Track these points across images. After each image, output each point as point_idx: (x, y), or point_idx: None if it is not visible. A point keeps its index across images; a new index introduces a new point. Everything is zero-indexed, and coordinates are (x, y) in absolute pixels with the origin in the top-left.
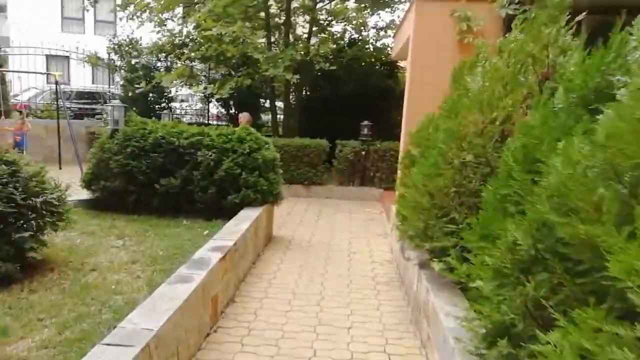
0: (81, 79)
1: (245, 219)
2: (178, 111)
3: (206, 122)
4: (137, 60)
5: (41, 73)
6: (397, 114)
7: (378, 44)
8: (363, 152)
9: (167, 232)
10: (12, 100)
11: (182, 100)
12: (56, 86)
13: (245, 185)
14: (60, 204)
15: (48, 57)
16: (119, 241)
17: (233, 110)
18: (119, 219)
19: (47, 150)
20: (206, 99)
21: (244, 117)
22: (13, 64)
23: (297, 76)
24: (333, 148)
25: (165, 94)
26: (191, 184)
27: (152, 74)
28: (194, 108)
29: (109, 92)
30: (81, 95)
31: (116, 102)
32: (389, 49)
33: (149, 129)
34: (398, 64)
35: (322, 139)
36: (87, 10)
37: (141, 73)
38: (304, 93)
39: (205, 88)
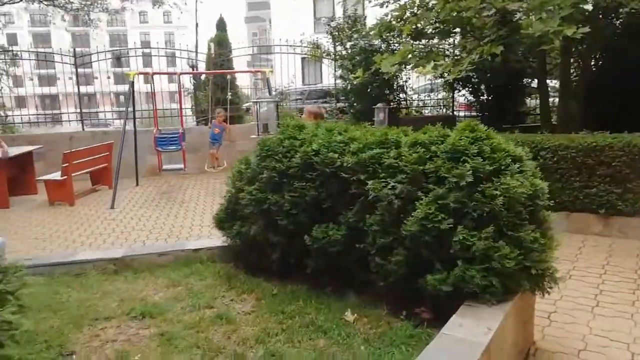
0: (313, 76)
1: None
2: (415, 103)
3: (451, 113)
4: (354, 43)
5: (248, 72)
6: None
7: None
8: None
9: (311, 333)
10: (246, 105)
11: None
12: (267, 83)
13: (464, 255)
14: None
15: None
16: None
17: (485, 97)
18: (244, 290)
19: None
20: (449, 86)
21: (307, 110)
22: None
23: (585, 29)
24: None
25: (395, 82)
26: (363, 237)
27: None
28: (436, 98)
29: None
30: (312, 94)
31: (266, 97)
32: None
33: (300, 138)
34: None
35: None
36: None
37: (358, 59)
38: (592, 63)
39: (434, 68)
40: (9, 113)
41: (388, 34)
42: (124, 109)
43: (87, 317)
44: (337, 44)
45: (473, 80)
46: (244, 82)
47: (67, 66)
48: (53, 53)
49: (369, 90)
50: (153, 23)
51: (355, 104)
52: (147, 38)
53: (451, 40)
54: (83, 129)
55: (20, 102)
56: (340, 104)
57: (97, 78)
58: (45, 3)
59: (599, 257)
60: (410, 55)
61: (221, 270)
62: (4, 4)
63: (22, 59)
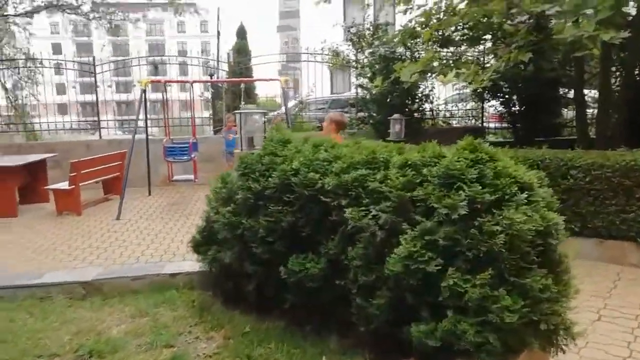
0: (341, 85)
1: None
2: (442, 114)
3: (480, 124)
4: (372, 51)
5: (261, 80)
6: None
7: None
8: None
9: None
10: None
11: (461, 100)
12: (283, 92)
13: (456, 304)
14: None
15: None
16: None
17: (517, 107)
18: (214, 326)
19: None
20: (478, 96)
21: (329, 117)
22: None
23: (625, 34)
24: None
25: (418, 92)
26: (345, 272)
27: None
28: (464, 108)
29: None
30: (336, 103)
31: (251, 107)
32: None
33: (281, 155)
34: None
35: None
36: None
37: (378, 67)
38: (637, 72)
39: (456, 76)
40: (35, 120)
41: (412, 42)
42: (158, 116)
43: (31, 354)
44: (357, 51)
45: (504, 89)
46: (271, 91)
47: (107, 74)
48: (66, 60)
49: (388, 100)
50: (190, 32)
51: (374, 114)
52: (184, 47)
53: (482, 47)
54: (100, 137)
55: (62, 109)
56: (360, 114)
57: (108, 86)
58: (68, 12)
59: (636, 293)
60: (435, 63)
61: (197, 299)
62: (17, 15)
63: (43, 67)
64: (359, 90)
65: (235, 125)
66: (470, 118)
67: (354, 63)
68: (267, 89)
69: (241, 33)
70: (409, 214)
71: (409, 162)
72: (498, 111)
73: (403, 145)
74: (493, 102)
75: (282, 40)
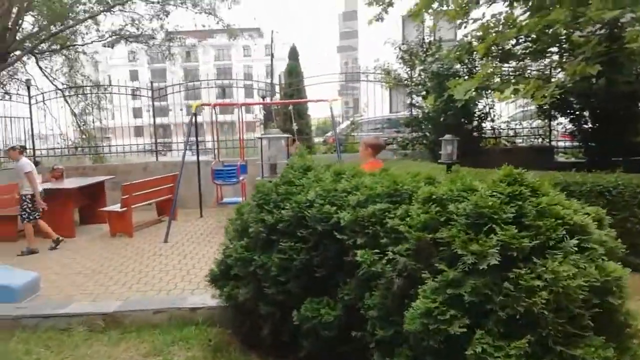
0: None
1: None
2: (505, 132)
3: (548, 143)
4: (424, 68)
5: (308, 101)
6: None
7: None
8: None
9: None
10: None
11: (528, 118)
12: (331, 113)
13: None
14: None
15: None
16: None
17: (589, 125)
18: None
19: None
20: (544, 113)
21: (363, 142)
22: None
23: None
24: None
25: (476, 110)
26: (362, 323)
27: (446, 83)
28: (529, 126)
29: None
30: (392, 123)
31: (275, 131)
32: None
33: (298, 184)
34: None
35: None
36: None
37: (430, 85)
38: None
39: (514, 92)
40: (100, 143)
41: (469, 58)
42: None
43: None
44: (409, 69)
45: (574, 105)
46: (326, 112)
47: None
48: (130, 87)
49: (442, 119)
50: (255, 56)
51: (428, 134)
52: (250, 70)
53: (547, 61)
54: (157, 159)
55: (138, 132)
56: (413, 134)
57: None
58: (131, 40)
59: None
60: (496, 79)
61: (214, 338)
62: (84, 43)
63: (106, 93)
64: (413, 109)
65: (292, 146)
66: (537, 137)
67: (406, 81)
68: (322, 110)
69: (293, 54)
70: (431, 260)
71: (434, 197)
72: (565, 129)
73: (437, 171)
74: (562, 120)
75: (342, 61)
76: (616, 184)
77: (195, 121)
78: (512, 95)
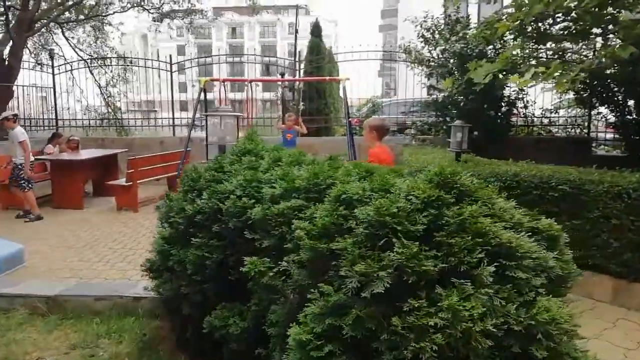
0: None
1: None
2: (537, 120)
3: (586, 134)
4: (445, 47)
5: (322, 79)
6: None
7: None
8: None
9: None
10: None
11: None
12: (344, 92)
13: None
14: None
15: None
16: None
17: (633, 116)
18: None
19: None
20: (581, 101)
21: (367, 124)
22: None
23: None
24: None
25: (504, 94)
26: (267, 341)
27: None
28: (566, 115)
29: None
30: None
31: (226, 107)
32: None
33: (227, 170)
34: None
35: None
36: None
37: (450, 66)
38: None
39: (534, 77)
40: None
41: (499, 38)
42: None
43: None
44: (430, 48)
45: (617, 94)
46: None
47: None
48: (148, 59)
49: (462, 104)
50: (301, 34)
51: (448, 119)
52: (292, 48)
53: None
54: (174, 134)
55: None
56: (432, 119)
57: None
58: (152, 12)
59: None
60: (533, 62)
61: (150, 332)
62: (105, 14)
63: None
64: (433, 91)
65: (296, 125)
66: (573, 127)
67: (427, 62)
68: (362, 92)
69: (316, 31)
70: (326, 276)
71: (343, 196)
72: (606, 120)
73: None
74: (602, 109)
75: (385, 40)
76: (638, 185)
77: (205, 97)
78: (532, 81)
